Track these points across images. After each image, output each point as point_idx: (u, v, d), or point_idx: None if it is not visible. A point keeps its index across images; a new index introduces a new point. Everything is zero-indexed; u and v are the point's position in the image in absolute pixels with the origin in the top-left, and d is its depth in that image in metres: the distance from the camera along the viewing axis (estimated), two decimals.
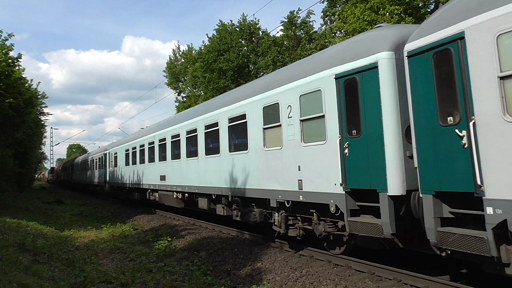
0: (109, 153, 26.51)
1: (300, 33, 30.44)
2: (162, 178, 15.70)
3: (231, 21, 31.79)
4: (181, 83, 43.50)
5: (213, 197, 11.70)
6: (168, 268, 8.61)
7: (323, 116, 7.30)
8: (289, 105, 8.15)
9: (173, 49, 52.78)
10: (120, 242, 11.84)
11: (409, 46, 5.86)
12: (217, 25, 31.95)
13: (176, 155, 14.32)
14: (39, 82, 21.65)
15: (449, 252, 5.32)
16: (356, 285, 6.43)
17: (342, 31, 20.76)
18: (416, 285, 6.09)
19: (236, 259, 9.04)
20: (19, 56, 16.76)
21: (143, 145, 18.69)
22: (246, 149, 9.66)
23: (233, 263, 8.73)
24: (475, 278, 6.20)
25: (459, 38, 5.13)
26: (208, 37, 32.98)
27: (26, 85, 18.94)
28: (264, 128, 9.01)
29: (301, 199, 7.83)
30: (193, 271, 8.32)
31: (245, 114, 9.73)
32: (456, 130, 5.11)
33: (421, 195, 5.62)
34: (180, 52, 44.25)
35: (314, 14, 32.21)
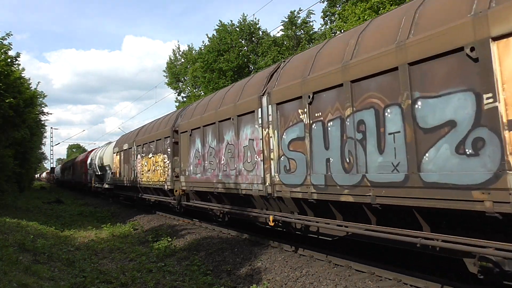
0: None
1: (300, 33, 30.46)
2: None
3: (231, 21, 31.87)
4: (181, 83, 43.51)
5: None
6: (168, 268, 8.61)
7: None
8: None
9: (173, 49, 52.87)
10: (120, 242, 11.84)
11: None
12: (217, 25, 32.02)
13: None
14: (38, 82, 21.65)
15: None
16: (356, 285, 6.43)
17: (342, 30, 20.77)
18: (416, 285, 6.09)
19: (236, 259, 9.04)
20: (18, 55, 16.75)
21: None
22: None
23: (233, 263, 8.74)
24: (475, 278, 6.19)
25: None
26: (208, 37, 33.05)
27: (25, 84, 18.94)
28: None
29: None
30: (193, 271, 8.32)
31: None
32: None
33: None
34: (180, 52, 44.28)
35: (314, 14, 32.25)
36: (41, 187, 53.59)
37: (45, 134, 42.53)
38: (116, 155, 22.62)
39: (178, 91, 43.49)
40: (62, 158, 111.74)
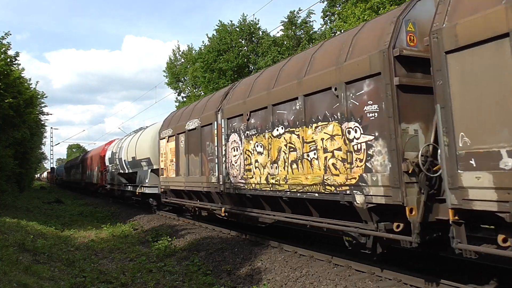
0: None
1: (300, 33, 30.46)
2: None
3: (231, 21, 31.83)
4: (181, 83, 43.51)
5: None
6: (168, 268, 8.62)
7: None
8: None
9: (173, 49, 52.80)
10: (120, 242, 11.85)
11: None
12: (217, 25, 32.00)
13: None
14: (37, 82, 21.63)
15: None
16: (356, 285, 6.43)
17: (342, 30, 20.78)
18: (416, 285, 6.09)
19: (236, 259, 9.04)
20: (17, 55, 16.78)
21: None
22: None
23: (233, 263, 8.74)
24: (475, 278, 6.20)
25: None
26: (208, 37, 33.01)
27: (25, 84, 18.97)
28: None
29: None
30: (193, 271, 8.32)
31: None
32: None
33: None
34: (180, 52, 44.27)
35: (314, 14, 32.20)
36: (41, 187, 53.55)
37: (45, 134, 42.48)
38: (168, 141, 14.36)
39: (178, 91, 43.46)
40: (62, 158, 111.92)
